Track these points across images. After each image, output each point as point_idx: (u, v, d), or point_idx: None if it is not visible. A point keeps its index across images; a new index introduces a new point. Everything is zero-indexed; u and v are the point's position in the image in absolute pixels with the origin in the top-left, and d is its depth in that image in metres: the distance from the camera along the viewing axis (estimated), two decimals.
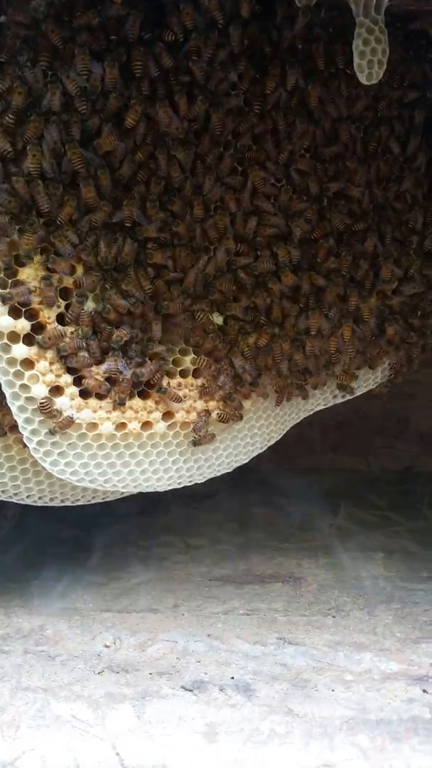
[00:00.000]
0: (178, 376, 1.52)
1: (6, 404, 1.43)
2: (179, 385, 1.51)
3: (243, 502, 2.17)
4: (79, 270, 1.40)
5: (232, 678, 1.49)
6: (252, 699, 1.40)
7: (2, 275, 1.34)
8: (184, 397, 1.51)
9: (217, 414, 1.57)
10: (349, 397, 1.82)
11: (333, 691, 1.44)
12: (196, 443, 1.56)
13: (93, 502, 1.67)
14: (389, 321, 1.78)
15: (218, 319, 1.56)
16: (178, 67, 1.35)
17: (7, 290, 1.34)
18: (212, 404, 1.56)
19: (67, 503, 1.64)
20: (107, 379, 1.43)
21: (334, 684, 1.47)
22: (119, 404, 1.43)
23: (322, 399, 1.78)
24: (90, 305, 1.40)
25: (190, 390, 1.53)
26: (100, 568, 1.98)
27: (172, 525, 2.18)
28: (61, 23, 1.28)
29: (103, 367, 1.40)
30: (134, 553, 2.06)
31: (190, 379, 1.52)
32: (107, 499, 1.66)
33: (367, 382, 1.83)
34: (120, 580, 1.92)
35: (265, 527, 2.19)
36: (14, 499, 1.59)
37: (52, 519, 2.07)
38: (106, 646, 1.62)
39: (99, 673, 1.52)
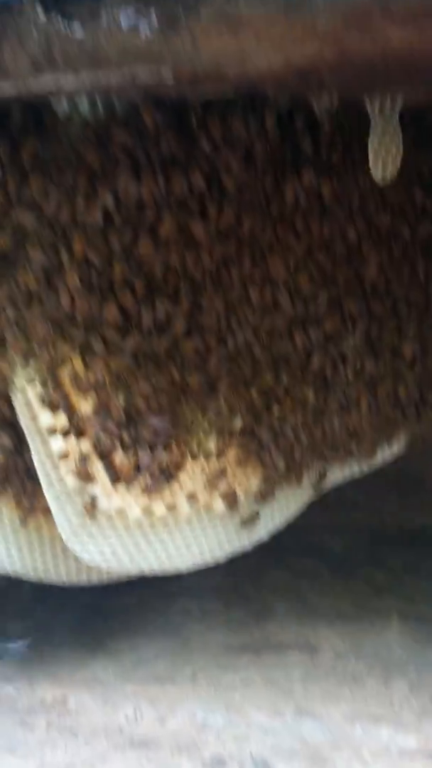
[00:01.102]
0: (202, 457, 1.59)
1: (38, 486, 1.50)
2: (203, 468, 1.58)
3: (257, 563, 2.20)
4: (113, 363, 1.48)
5: (251, 754, 1.52)
6: None
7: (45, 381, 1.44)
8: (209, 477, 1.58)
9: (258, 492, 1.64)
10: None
11: None
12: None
13: (118, 581, 1.73)
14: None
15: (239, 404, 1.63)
16: (210, 179, 1.45)
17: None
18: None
19: (93, 582, 1.70)
20: (136, 467, 1.51)
21: (352, 761, 1.50)
22: (148, 491, 1.50)
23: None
24: (121, 396, 1.48)
25: (213, 472, 1.59)
26: (120, 634, 2.02)
27: (188, 589, 2.21)
28: (99, 143, 1.39)
29: (132, 454, 1.48)
30: (152, 620, 2.09)
31: (213, 462, 1.59)
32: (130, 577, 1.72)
33: (383, 453, 1.89)
34: (138, 649, 1.96)
35: (280, 591, 2.22)
36: (42, 579, 1.66)
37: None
38: (127, 720, 1.66)
39: (121, 748, 1.55)
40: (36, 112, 1.40)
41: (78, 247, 1.41)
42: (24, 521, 1.61)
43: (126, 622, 2.08)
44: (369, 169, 1.49)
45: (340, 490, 1.93)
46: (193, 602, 2.17)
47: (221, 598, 2.18)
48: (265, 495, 1.69)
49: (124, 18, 1.10)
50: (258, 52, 1.14)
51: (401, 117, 1.46)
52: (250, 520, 1.68)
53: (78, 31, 1.11)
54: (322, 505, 1.90)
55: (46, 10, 1.10)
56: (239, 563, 1.84)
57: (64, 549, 1.60)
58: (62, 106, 1.40)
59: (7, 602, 2.09)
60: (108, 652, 1.94)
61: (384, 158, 1.50)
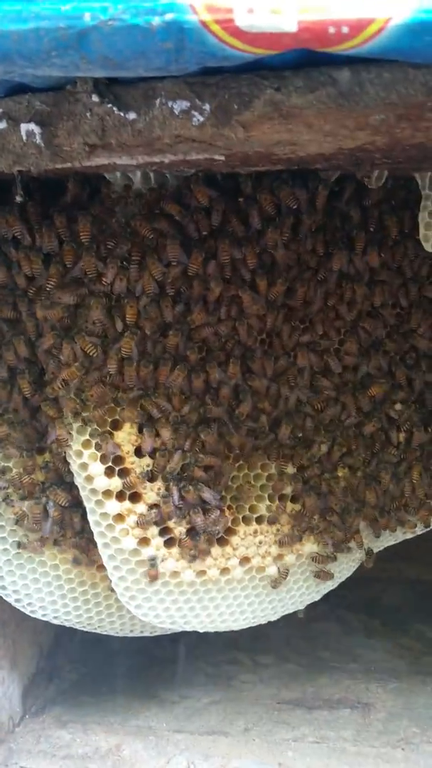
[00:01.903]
0: (254, 522, 1.62)
1: (93, 543, 1.55)
2: (255, 532, 1.60)
3: (308, 616, 2.19)
4: (167, 429, 1.53)
5: None
6: None
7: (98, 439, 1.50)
8: (260, 543, 1.61)
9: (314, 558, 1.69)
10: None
11: None
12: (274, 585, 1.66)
13: (169, 632, 1.76)
14: None
15: (290, 469, 1.66)
16: (259, 252, 1.49)
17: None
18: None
19: (146, 634, 1.74)
20: (190, 531, 1.55)
21: None
22: (201, 554, 1.54)
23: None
24: (175, 460, 1.53)
25: (265, 536, 1.62)
26: (171, 685, 2.04)
27: (238, 640, 2.21)
28: (150, 216, 1.44)
29: (186, 518, 1.53)
30: (203, 669, 2.11)
31: (265, 526, 1.61)
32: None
33: None
34: (190, 698, 1.98)
35: (331, 645, 2.20)
36: (97, 631, 1.71)
37: None
38: None
39: None
40: (91, 185, 1.45)
41: (130, 314, 1.45)
42: (79, 575, 1.66)
43: (177, 671, 2.10)
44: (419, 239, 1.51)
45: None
46: (243, 654, 2.17)
47: (272, 651, 2.18)
48: (317, 559, 1.70)
49: (178, 105, 1.15)
50: (309, 140, 1.18)
51: None
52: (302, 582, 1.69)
53: (131, 115, 1.15)
54: (375, 555, 1.88)
55: (101, 95, 1.14)
56: (289, 617, 1.83)
57: (118, 603, 1.64)
58: (116, 180, 1.46)
59: (60, 650, 2.14)
60: (160, 702, 1.96)
61: None
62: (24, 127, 1.21)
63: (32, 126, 1.21)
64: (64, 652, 2.15)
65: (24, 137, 1.21)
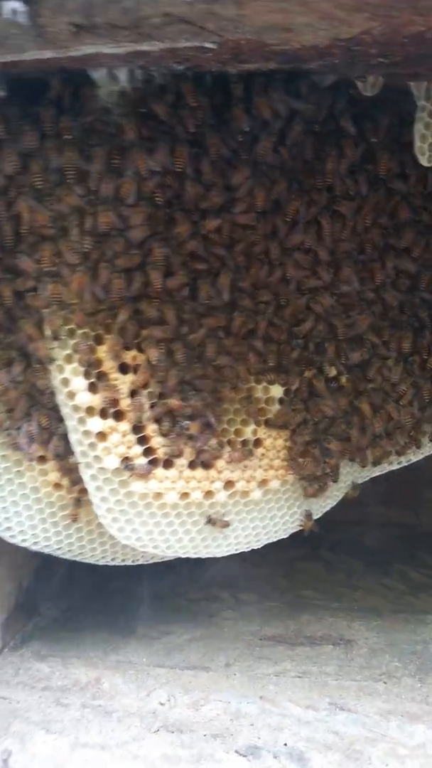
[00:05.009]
0: (239, 445, 1.58)
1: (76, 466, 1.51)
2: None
3: (290, 556, 2.18)
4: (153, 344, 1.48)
5: (285, 744, 1.50)
6: None
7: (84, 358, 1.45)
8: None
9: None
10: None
11: (387, 765, 1.43)
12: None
13: (150, 562, 1.72)
14: None
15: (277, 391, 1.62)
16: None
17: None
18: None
19: (127, 562, 1.70)
20: (175, 451, 1.51)
21: (388, 758, 1.46)
22: (186, 476, 1.50)
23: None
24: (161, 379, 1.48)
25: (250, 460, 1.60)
26: (151, 621, 2.02)
27: (220, 578, 2.20)
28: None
29: (171, 439, 1.49)
30: (184, 606, 2.09)
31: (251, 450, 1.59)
32: (164, 560, 1.71)
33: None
34: (170, 635, 1.95)
35: (314, 584, 2.20)
36: (77, 558, 1.66)
37: (103, 568, 2.13)
38: (161, 704, 1.65)
39: (155, 732, 1.55)
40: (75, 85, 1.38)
41: (103, 220, 1.40)
42: (61, 498, 1.61)
43: (157, 608, 2.08)
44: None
45: (374, 486, 1.90)
46: (225, 591, 2.16)
47: (254, 589, 2.17)
48: (302, 486, 1.67)
49: None
50: (303, 24, 1.12)
51: None
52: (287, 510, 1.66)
53: None
54: (356, 500, 1.87)
55: None
56: (272, 555, 1.82)
57: (100, 529, 1.60)
58: (102, 79, 1.38)
59: (40, 586, 2.11)
60: (140, 638, 1.94)
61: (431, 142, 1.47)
62: (7, 5, 1.14)
63: (16, 4, 1.14)
64: (43, 589, 2.12)
65: (6, 15, 1.14)
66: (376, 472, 1.82)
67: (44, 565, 2.03)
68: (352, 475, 1.78)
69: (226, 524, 1.59)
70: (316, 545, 2.32)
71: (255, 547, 1.69)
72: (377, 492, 1.99)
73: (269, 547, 1.74)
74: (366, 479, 1.83)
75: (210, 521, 1.57)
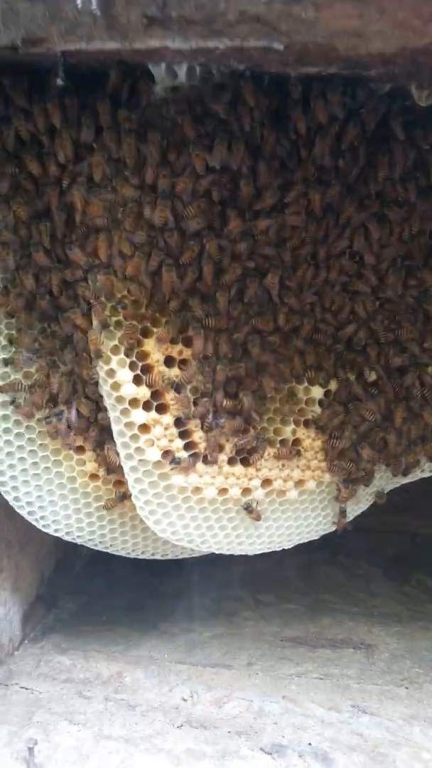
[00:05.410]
0: (279, 444, 1.59)
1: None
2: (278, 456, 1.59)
3: (308, 560, 2.18)
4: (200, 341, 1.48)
5: (310, 744, 1.50)
6: None
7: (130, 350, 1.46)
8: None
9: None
10: None
11: None
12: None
13: (180, 557, 1.72)
14: None
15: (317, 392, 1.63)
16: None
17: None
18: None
19: (157, 556, 1.70)
20: (216, 447, 1.52)
21: (412, 761, 1.47)
22: (225, 472, 1.51)
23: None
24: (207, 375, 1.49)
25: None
26: (171, 617, 2.02)
27: (238, 578, 2.20)
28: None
29: (212, 435, 1.49)
30: (204, 604, 2.08)
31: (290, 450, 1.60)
32: (194, 556, 1.72)
33: None
34: (191, 632, 1.95)
35: (333, 589, 2.20)
36: (109, 550, 1.66)
37: (123, 563, 2.13)
38: (184, 700, 1.65)
39: (179, 727, 1.54)
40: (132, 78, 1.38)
41: (161, 213, 1.40)
42: (96, 489, 1.61)
43: (178, 606, 2.08)
44: None
45: (394, 495, 1.91)
46: (244, 591, 2.15)
47: (272, 591, 2.17)
48: (336, 489, 1.68)
49: None
50: (376, 32, 1.14)
51: None
52: (320, 511, 1.67)
53: None
54: (376, 508, 1.88)
55: None
56: (290, 559, 1.82)
57: (133, 522, 1.60)
58: (160, 74, 1.38)
59: (60, 579, 2.10)
60: (161, 634, 1.93)
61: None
62: None
63: None
64: (63, 581, 2.11)
65: (80, 4, 1.15)
66: (406, 479, 1.83)
67: (66, 557, 2.03)
68: (383, 480, 1.78)
69: (260, 516, 1.59)
70: (334, 551, 2.33)
71: (286, 547, 1.69)
72: (396, 501, 2.00)
73: (287, 550, 1.75)
74: (396, 486, 1.84)
75: (247, 509, 1.57)
